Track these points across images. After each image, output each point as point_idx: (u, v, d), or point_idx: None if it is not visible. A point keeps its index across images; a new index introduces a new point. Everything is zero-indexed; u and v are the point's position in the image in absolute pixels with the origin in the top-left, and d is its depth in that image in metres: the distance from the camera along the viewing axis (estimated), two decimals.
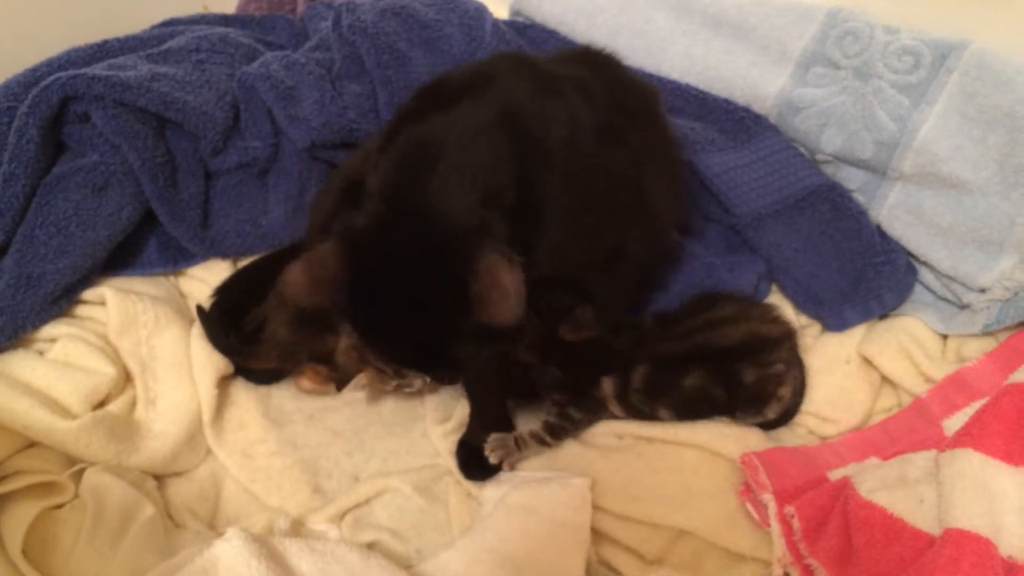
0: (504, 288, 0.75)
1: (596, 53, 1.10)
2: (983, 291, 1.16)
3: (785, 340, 1.09)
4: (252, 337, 1.12)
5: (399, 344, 0.83)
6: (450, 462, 1.07)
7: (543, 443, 1.04)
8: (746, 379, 1.04)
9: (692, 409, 1.05)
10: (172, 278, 1.24)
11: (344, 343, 1.04)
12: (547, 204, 0.86)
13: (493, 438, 1.03)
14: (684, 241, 1.25)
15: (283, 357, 1.11)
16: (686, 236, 1.27)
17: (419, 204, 0.79)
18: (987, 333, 1.13)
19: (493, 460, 1.02)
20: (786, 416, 1.11)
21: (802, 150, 1.34)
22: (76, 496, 0.95)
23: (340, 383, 1.06)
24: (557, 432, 1.05)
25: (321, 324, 1.06)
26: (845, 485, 0.94)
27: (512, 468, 1.03)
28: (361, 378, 1.05)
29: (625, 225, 0.98)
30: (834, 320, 1.22)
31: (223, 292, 1.17)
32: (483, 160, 0.81)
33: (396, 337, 0.82)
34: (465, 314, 0.77)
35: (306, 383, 1.13)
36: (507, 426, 1.09)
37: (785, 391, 1.08)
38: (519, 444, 1.04)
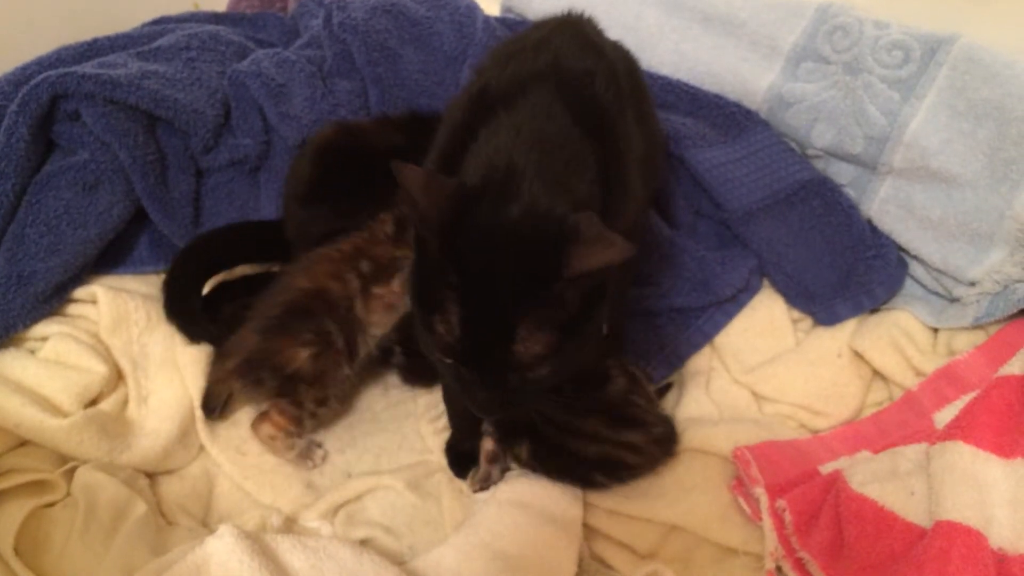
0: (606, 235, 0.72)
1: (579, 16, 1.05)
2: (973, 284, 1.16)
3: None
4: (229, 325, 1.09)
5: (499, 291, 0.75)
6: (442, 459, 1.07)
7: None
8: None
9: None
10: (164, 276, 1.24)
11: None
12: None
13: (474, 473, 1.03)
14: (675, 235, 1.25)
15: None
16: (676, 230, 1.27)
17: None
18: (977, 326, 1.14)
19: (480, 489, 1.01)
20: None
21: (793, 145, 1.34)
22: (68, 494, 0.95)
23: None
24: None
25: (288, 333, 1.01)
26: (836, 478, 0.94)
27: (496, 483, 1.02)
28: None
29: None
30: (825, 314, 1.23)
31: (182, 262, 1.15)
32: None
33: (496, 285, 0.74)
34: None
35: (268, 429, 1.03)
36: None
37: None
38: (493, 461, 1.02)
